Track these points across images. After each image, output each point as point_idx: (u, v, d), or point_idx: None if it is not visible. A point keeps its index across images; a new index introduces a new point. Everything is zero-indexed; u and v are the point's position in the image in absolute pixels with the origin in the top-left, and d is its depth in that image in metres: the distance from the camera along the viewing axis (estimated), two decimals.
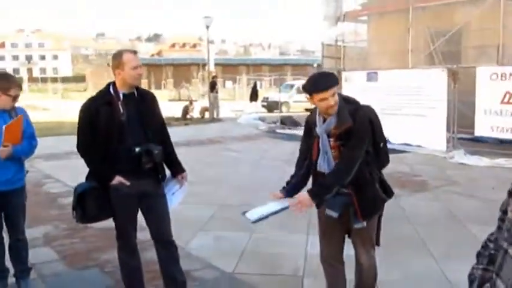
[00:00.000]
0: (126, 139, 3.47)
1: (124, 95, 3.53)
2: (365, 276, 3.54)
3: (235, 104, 29.36)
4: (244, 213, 3.35)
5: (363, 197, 3.23)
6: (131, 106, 3.52)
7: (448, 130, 11.43)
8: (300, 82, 28.98)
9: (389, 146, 3.64)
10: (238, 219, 6.32)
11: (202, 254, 5.00)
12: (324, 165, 3.23)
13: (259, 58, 57.58)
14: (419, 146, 11.88)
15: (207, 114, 21.87)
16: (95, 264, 4.80)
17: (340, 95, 3.23)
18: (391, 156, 3.45)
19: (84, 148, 3.57)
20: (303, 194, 3.19)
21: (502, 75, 10.73)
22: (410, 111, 12.15)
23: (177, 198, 3.88)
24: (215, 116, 21.55)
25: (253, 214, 3.32)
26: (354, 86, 13.29)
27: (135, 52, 3.62)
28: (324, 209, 3.38)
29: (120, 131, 3.45)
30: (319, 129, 3.23)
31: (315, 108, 3.30)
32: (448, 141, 11.44)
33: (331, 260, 3.55)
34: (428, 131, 11.67)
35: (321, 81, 3.14)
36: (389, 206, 3.58)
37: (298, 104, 25.62)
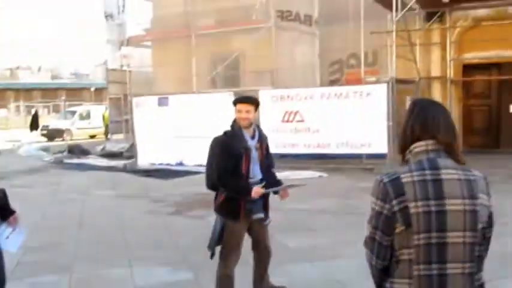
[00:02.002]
0: None
1: None
2: (268, 259, 4.27)
3: (11, 133, 26.96)
4: None
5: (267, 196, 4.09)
6: None
7: None
8: (83, 108, 27.94)
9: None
10: (50, 261, 5.93)
11: None
12: (257, 172, 3.97)
13: (29, 82, 52.98)
14: None
15: None
16: None
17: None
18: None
19: None
20: None
21: (280, 97, 12.10)
22: (202, 133, 12.56)
23: (14, 243, 3.58)
24: None
25: None
26: (146, 111, 13.41)
27: None
28: (245, 218, 3.91)
29: None
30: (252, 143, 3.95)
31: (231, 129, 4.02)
32: None
33: (232, 271, 4.01)
34: None
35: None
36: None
37: (82, 131, 24.76)
